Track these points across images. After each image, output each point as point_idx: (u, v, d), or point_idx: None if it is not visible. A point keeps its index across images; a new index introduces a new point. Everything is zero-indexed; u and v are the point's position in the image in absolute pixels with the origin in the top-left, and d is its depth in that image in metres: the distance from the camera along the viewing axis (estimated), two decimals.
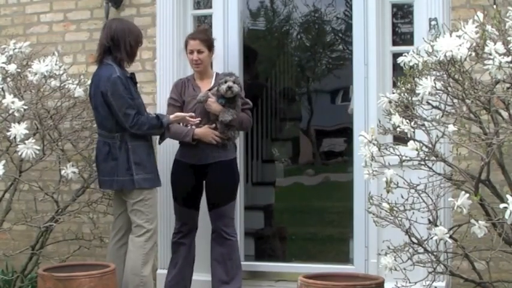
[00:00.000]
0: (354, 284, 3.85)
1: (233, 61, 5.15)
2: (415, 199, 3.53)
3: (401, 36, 5.36)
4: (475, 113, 3.39)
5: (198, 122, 4.70)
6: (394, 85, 3.82)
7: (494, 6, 3.50)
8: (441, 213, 3.73)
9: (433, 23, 4.58)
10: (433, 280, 3.61)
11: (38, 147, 4.43)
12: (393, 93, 3.71)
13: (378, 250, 4.17)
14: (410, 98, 3.54)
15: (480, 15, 3.36)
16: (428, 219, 3.47)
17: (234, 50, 5.16)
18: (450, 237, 3.38)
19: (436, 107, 3.48)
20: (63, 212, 4.92)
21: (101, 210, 5.11)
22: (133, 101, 4.52)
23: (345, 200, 5.19)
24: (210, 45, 4.85)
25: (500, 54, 3.09)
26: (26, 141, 4.31)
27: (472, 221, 3.21)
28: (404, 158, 3.51)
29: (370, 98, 4.76)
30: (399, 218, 3.54)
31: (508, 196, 2.96)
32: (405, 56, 3.71)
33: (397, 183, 3.53)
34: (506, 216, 2.92)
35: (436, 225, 3.39)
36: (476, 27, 3.28)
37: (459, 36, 3.26)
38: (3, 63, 4.60)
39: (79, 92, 4.89)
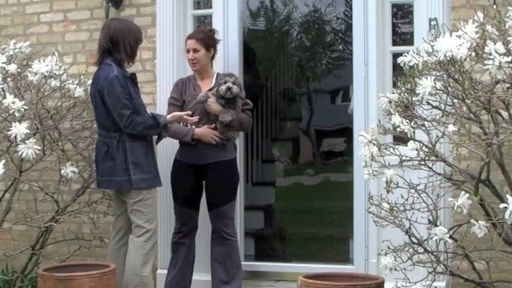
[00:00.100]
0: (354, 284, 3.85)
1: (233, 61, 5.15)
2: (415, 199, 3.53)
3: (401, 36, 5.36)
4: (475, 113, 3.39)
5: (196, 120, 4.70)
6: (394, 85, 3.82)
7: (494, 6, 3.51)
8: (441, 213, 3.73)
9: (433, 23, 4.58)
10: (433, 280, 3.61)
11: (38, 147, 4.43)
12: (393, 93, 3.71)
13: (378, 250, 4.18)
14: (410, 98, 3.54)
15: (480, 15, 3.36)
16: (428, 219, 3.47)
17: (234, 50, 5.16)
18: (450, 237, 3.38)
19: (436, 107, 3.48)
20: (63, 212, 4.92)
21: (101, 210, 5.11)
22: (132, 101, 4.52)
23: (345, 200, 5.18)
24: (207, 44, 4.84)
25: (500, 54, 3.09)
26: (27, 141, 4.31)
27: (472, 221, 3.21)
28: (404, 158, 3.51)
29: (370, 98, 4.76)
30: (399, 218, 3.54)
31: (508, 196, 2.96)
32: (405, 56, 3.71)
33: (397, 183, 3.53)
34: (506, 216, 2.92)
35: (436, 225, 3.39)
36: (476, 27, 3.28)
37: (459, 36, 3.26)
38: (3, 63, 4.60)
39: (79, 92, 4.90)
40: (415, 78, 3.49)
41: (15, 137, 4.27)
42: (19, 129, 4.25)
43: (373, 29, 4.78)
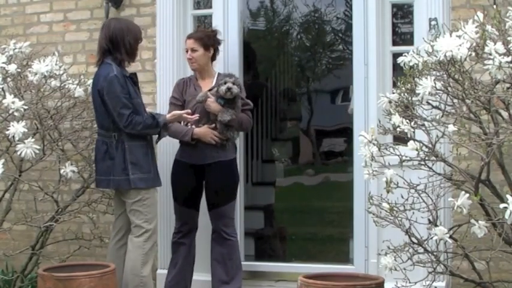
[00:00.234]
0: (354, 284, 3.85)
1: (233, 61, 5.15)
2: (415, 199, 3.53)
3: (401, 36, 5.36)
4: (475, 113, 3.39)
5: (196, 118, 4.70)
6: (394, 85, 3.82)
7: (494, 6, 3.50)
8: (441, 213, 3.73)
9: (433, 23, 4.58)
10: (433, 280, 3.61)
11: (38, 147, 4.43)
12: (393, 93, 3.71)
13: (378, 250, 4.17)
14: (410, 98, 3.54)
15: (480, 15, 3.36)
16: (428, 219, 3.46)
17: (234, 50, 5.16)
18: (450, 237, 3.38)
19: (436, 107, 3.48)
20: (63, 212, 4.92)
21: (101, 210, 5.12)
22: (131, 100, 4.52)
23: (345, 200, 5.18)
24: (205, 44, 4.83)
25: (500, 54, 3.09)
26: (26, 141, 4.31)
27: (472, 221, 3.21)
28: (404, 158, 3.51)
29: (370, 98, 4.76)
30: (399, 218, 3.54)
31: (508, 196, 2.96)
32: (405, 56, 3.71)
33: (397, 183, 3.53)
34: (506, 216, 2.92)
35: (436, 225, 3.39)
36: (476, 27, 3.28)
37: (459, 36, 3.26)
38: (3, 63, 4.60)
39: (79, 92, 4.90)
40: (415, 78, 3.49)
41: (13, 136, 4.27)
42: (17, 128, 4.25)
43: (373, 29, 4.79)
